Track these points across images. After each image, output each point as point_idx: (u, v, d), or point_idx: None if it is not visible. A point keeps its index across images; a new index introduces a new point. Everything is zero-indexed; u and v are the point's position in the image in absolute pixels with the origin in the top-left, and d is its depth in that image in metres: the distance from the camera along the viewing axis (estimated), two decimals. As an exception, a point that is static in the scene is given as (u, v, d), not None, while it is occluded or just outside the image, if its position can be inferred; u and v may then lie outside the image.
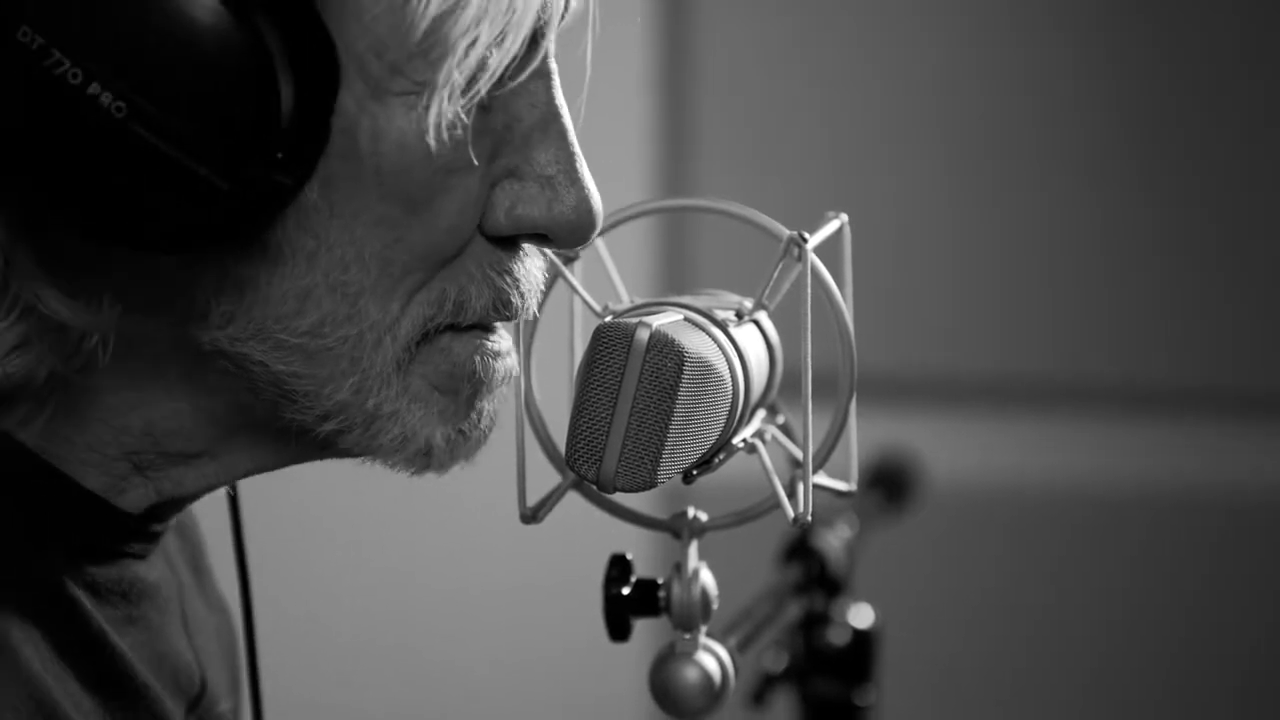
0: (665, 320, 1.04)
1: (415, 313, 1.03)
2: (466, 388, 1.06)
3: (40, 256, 1.00)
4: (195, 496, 1.09)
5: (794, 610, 1.50)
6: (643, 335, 1.01)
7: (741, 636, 1.27)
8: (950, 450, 2.77)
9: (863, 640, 1.54)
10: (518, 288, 1.06)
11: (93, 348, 1.01)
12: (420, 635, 2.84)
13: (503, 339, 1.08)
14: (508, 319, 1.07)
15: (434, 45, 0.99)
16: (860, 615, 1.55)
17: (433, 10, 0.98)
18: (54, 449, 1.04)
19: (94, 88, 0.93)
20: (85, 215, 0.95)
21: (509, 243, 1.05)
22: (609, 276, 1.13)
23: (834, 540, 1.56)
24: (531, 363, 1.13)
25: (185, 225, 0.95)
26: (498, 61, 1.00)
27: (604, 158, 1.09)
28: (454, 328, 1.05)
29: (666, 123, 2.85)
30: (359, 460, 1.07)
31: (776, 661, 1.53)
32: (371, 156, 1.00)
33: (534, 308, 1.08)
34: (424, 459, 1.06)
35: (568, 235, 1.06)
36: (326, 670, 2.76)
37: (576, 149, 1.05)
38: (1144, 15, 2.86)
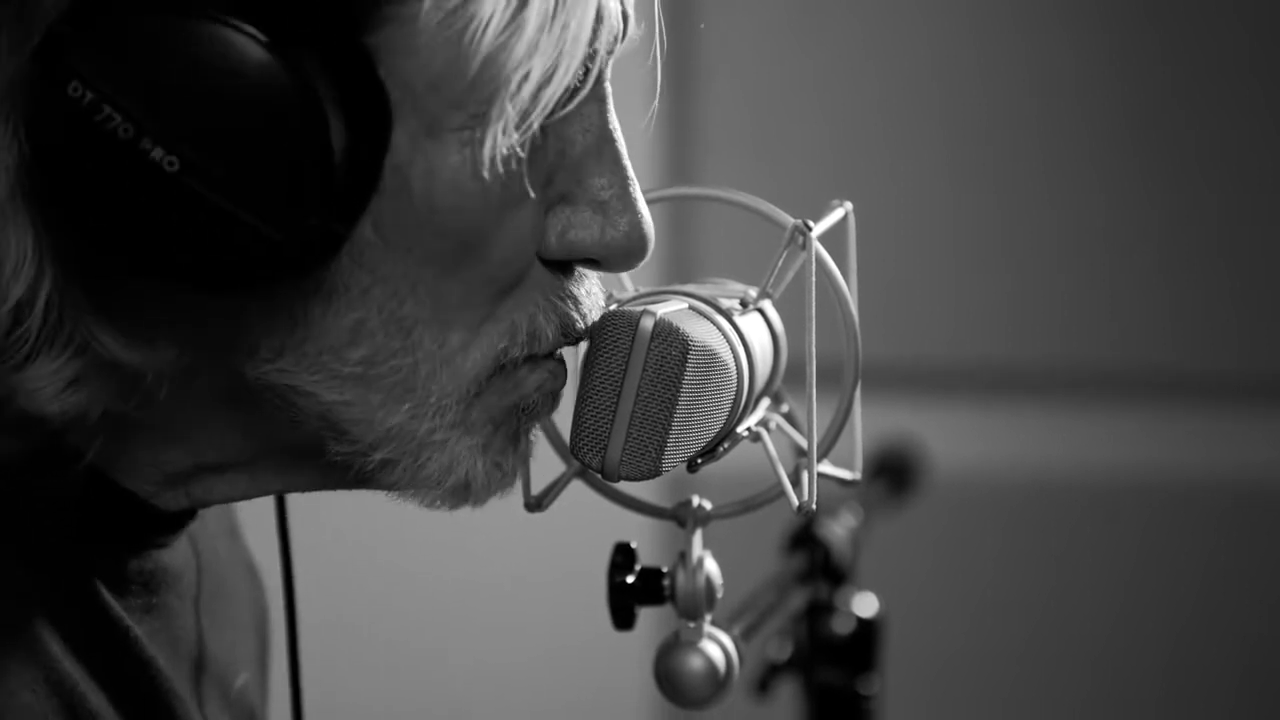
0: (670, 309, 1.04)
1: (486, 345, 1.02)
2: (515, 421, 1.05)
3: (94, 296, 0.99)
4: (224, 501, 1.09)
5: (798, 599, 1.50)
6: (647, 323, 1.01)
7: (746, 625, 1.26)
8: (954, 439, 2.77)
9: (866, 629, 1.54)
10: (579, 309, 1.05)
11: (148, 386, 1.00)
12: (423, 624, 2.85)
13: (564, 371, 1.07)
14: (575, 343, 1.06)
15: (487, 80, 0.97)
16: (864, 604, 1.55)
17: (487, 44, 0.96)
18: (95, 456, 1.04)
19: (146, 142, 0.92)
20: (137, 259, 0.94)
21: (565, 265, 1.05)
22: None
23: (838, 529, 1.55)
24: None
25: (239, 269, 0.94)
26: (551, 93, 0.99)
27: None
28: (532, 359, 1.04)
29: (671, 111, 2.84)
30: (390, 496, 1.06)
31: (780, 650, 1.53)
32: (425, 195, 0.98)
33: None
34: (463, 492, 1.04)
35: (620, 260, 1.05)
36: (326, 661, 2.76)
37: (630, 172, 1.04)
38: (1146, 4, 2.86)
